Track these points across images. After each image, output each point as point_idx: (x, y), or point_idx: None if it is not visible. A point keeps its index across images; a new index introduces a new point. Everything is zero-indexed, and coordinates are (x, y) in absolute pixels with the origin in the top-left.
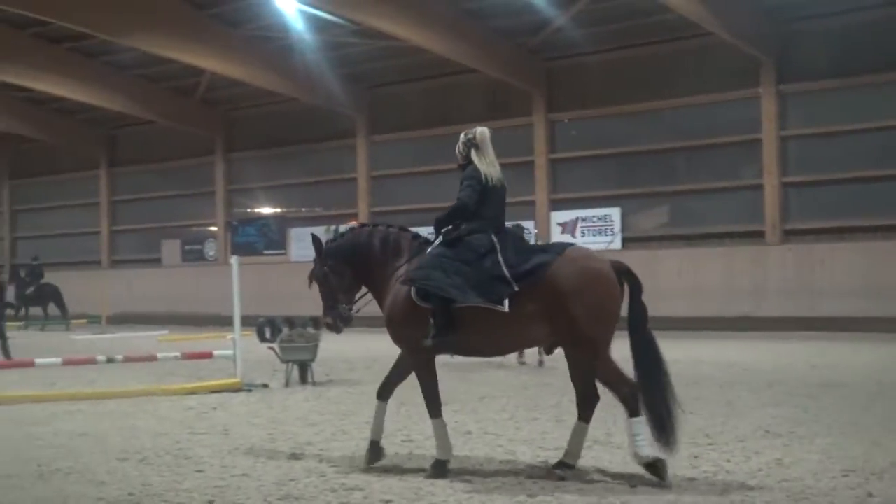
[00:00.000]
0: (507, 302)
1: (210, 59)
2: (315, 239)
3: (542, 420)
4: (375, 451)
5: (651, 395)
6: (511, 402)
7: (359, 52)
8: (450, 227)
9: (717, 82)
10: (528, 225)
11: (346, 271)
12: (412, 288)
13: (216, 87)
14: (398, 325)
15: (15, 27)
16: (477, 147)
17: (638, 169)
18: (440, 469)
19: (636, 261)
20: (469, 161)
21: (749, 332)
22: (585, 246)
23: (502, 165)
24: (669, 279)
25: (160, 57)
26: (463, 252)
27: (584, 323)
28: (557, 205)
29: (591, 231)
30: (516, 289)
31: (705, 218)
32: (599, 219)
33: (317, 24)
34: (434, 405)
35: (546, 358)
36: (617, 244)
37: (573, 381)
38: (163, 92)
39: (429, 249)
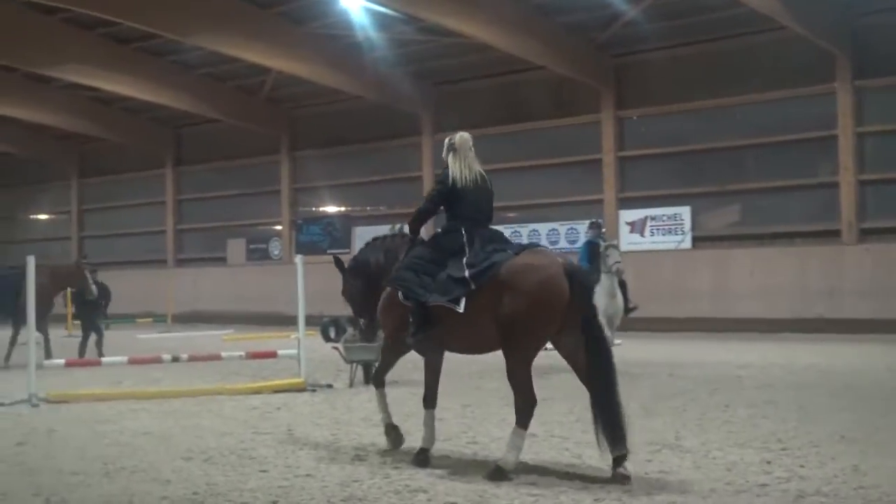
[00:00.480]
0: (462, 302)
1: (275, 57)
2: (335, 259)
3: None
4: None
5: (601, 396)
6: (577, 405)
7: (424, 50)
8: (418, 229)
9: (790, 78)
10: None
11: (360, 284)
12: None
13: (281, 86)
14: (383, 324)
15: (83, 27)
16: (454, 151)
17: (708, 166)
18: (420, 457)
19: (707, 261)
20: (448, 165)
21: (824, 335)
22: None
23: (569, 164)
24: (741, 280)
25: (225, 56)
26: (435, 252)
27: (518, 322)
28: (626, 203)
29: (660, 230)
30: (473, 287)
31: (778, 217)
32: (669, 218)
33: (382, 22)
34: (429, 397)
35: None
36: (687, 244)
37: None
38: (228, 90)
39: (409, 251)
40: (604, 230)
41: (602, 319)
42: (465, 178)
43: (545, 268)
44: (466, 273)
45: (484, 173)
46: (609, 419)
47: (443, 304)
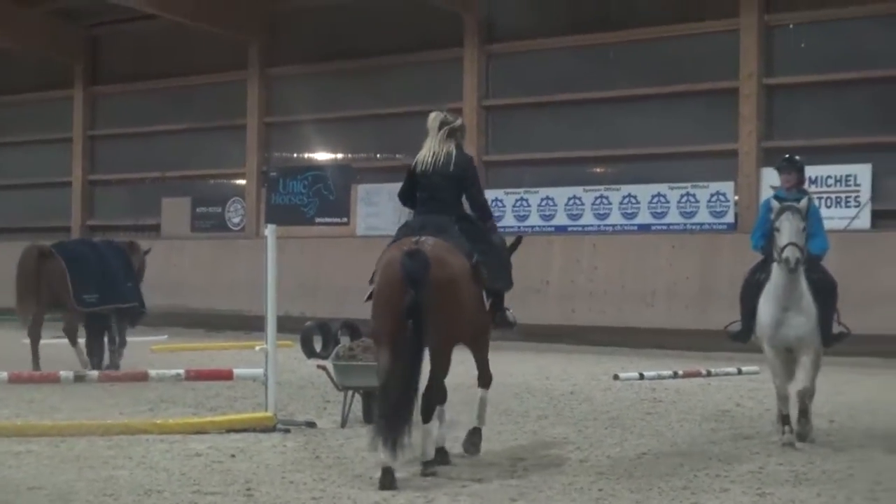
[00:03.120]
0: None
1: None
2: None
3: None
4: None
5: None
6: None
7: None
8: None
9: None
10: (727, 188)
11: None
12: None
13: None
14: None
15: None
16: (426, 132)
17: None
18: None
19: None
20: None
21: None
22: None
23: (687, 94)
24: None
25: None
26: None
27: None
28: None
29: (824, 200)
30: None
31: None
32: (837, 181)
33: None
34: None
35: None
36: (864, 221)
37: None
38: None
39: None
40: (734, 198)
41: (772, 355)
42: (426, 161)
43: (386, 253)
44: None
45: (453, 153)
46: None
47: None
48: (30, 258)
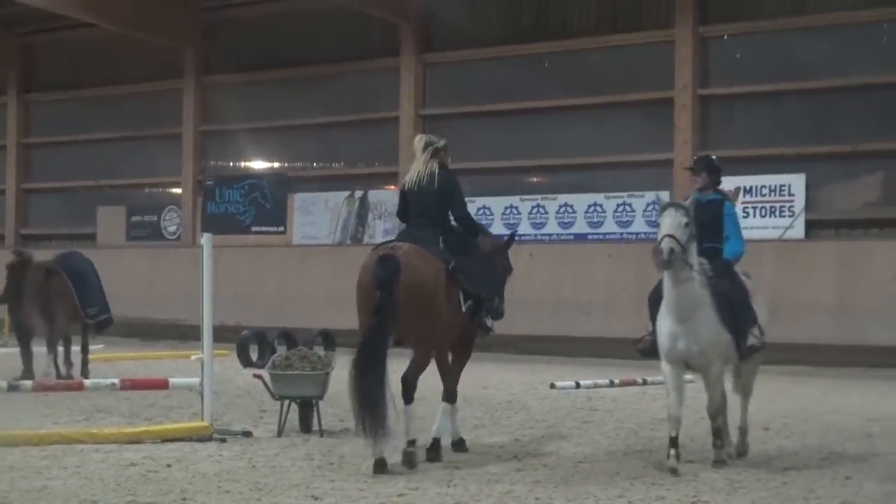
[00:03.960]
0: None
1: None
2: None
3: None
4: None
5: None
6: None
7: None
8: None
9: None
10: (663, 198)
11: None
12: None
13: None
14: None
15: None
16: (413, 154)
17: (836, 115)
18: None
19: (830, 256)
20: None
21: None
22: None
23: (622, 105)
24: (879, 287)
25: None
26: None
27: None
28: None
29: (759, 210)
30: None
31: None
32: (772, 191)
33: None
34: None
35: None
36: (798, 231)
37: None
38: None
39: None
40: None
41: (667, 371)
42: (412, 181)
43: (366, 259)
44: None
45: (436, 172)
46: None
47: None
48: (38, 276)
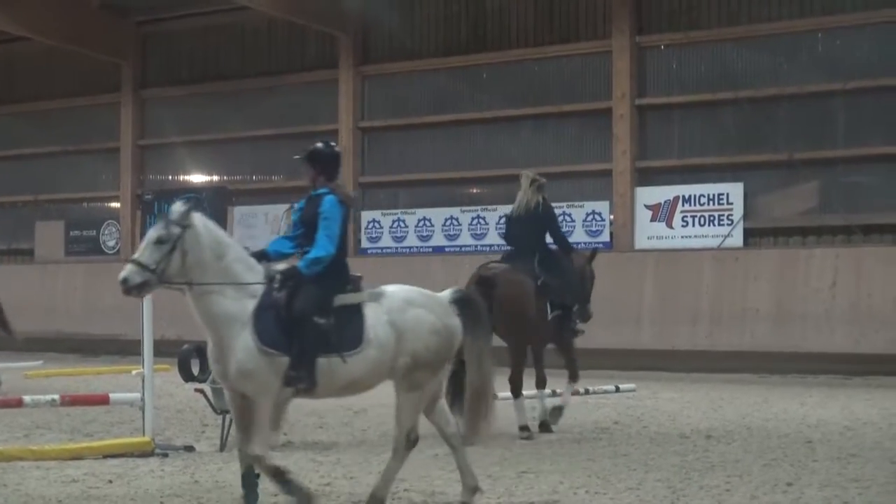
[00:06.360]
0: None
1: None
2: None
3: None
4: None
5: None
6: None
7: None
8: None
9: None
10: (602, 208)
11: None
12: None
13: None
14: None
15: None
16: (519, 186)
17: (773, 124)
18: None
19: (768, 264)
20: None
21: None
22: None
23: (560, 115)
24: (817, 294)
25: None
26: None
27: None
28: (647, 178)
29: (697, 219)
30: None
31: (877, 200)
32: (710, 199)
33: None
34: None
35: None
36: (737, 240)
37: None
38: None
39: None
40: (609, 217)
41: (227, 398)
42: (518, 210)
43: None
44: None
45: (540, 203)
46: None
47: None
48: None
